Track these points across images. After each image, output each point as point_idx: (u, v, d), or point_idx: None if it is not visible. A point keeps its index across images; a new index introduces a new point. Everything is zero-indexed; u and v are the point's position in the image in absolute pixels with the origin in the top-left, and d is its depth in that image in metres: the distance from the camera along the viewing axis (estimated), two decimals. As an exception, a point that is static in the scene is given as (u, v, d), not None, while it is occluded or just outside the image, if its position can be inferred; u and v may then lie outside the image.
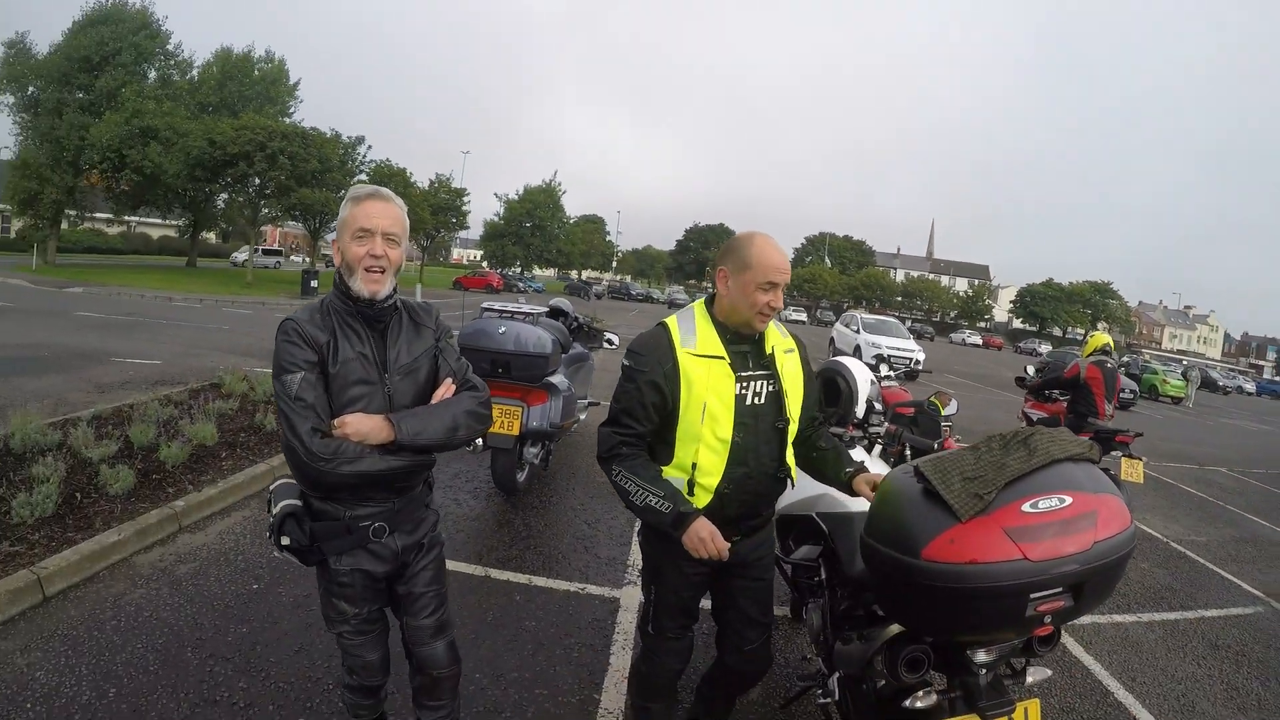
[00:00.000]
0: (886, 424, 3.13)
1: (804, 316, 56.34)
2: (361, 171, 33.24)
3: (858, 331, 18.77)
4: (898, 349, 16.72)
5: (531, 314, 5.00)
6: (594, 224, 72.16)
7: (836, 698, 2.21)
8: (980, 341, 58.94)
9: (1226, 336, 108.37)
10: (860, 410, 3.03)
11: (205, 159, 25.52)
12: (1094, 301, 69.06)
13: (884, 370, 6.12)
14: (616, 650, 3.11)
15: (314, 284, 25.34)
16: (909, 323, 49.33)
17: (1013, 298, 75.52)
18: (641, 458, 1.93)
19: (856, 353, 16.55)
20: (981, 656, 1.77)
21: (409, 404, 1.76)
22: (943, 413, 3.76)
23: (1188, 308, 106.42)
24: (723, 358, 1.90)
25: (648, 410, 1.89)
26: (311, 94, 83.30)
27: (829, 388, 3.11)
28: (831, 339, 21.09)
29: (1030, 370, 7.49)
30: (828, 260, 75.72)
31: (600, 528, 4.60)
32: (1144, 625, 4.68)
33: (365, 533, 1.75)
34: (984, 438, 1.83)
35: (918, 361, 16.56)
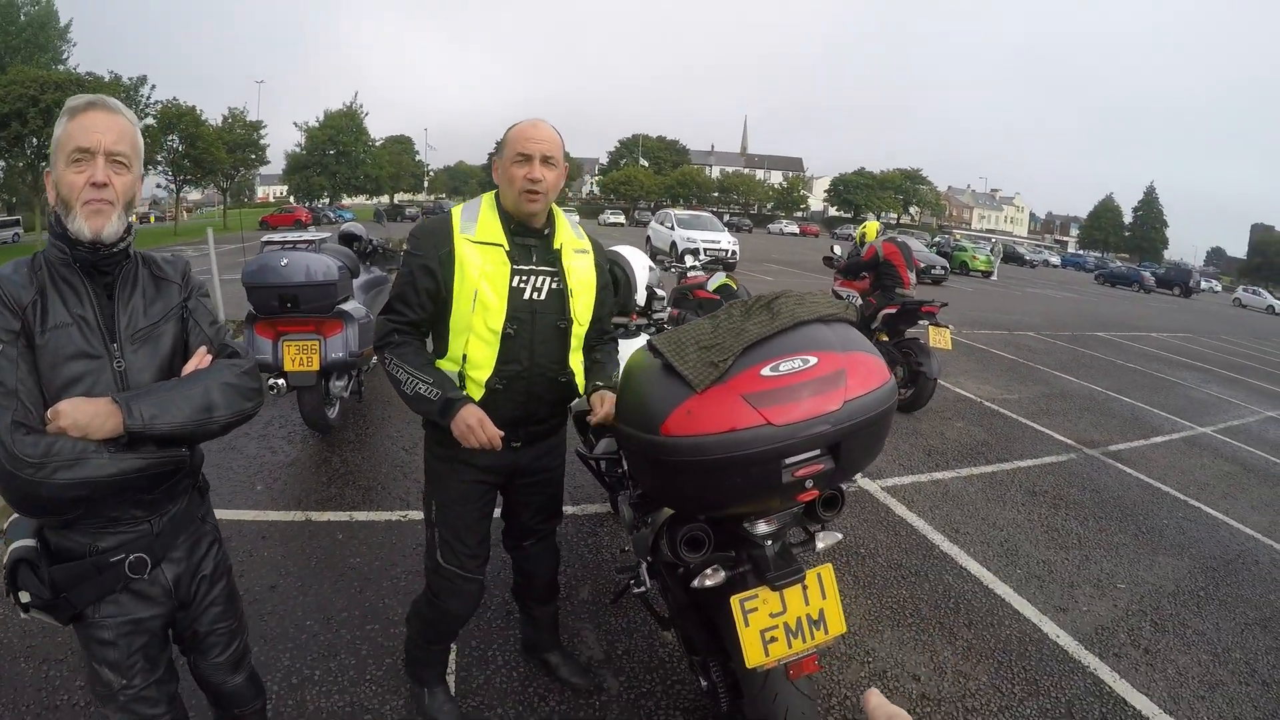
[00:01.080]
0: (670, 309, 3.65)
1: (622, 219, 67.71)
2: (147, 114, 38.62)
3: (671, 228, 23.54)
4: (711, 242, 21.50)
5: (313, 241, 5.69)
6: (402, 144, 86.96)
7: (648, 586, 2.65)
8: (798, 230, 74.46)
9: (1032, 216, 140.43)
10: (640, 297, 3.56)
11: (-29, 124, 28.37)
12: (905, 188, 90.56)
13: (689, 261, 7.54)
14: None
15: None
16: (726, 217, 61.97)
17: (827, 188, 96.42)
18: (414, 345, 2.30)
19: (672, 249, 21.25)
20: (762, 528, 2.15)
21: (149, 381, 1.71)
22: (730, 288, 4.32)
23: (994, 190, 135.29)
24: (500, 245, 2.25)
25: (420, 296, 2.25)
26: (85, 36, 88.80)
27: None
28: (648, 237, 25.65)
29: (837, 250, 8.86)
30: (643, 161, 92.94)
31: (418, 451, 5.02)
32: (963, 480, 5.64)
33: (120, 570, 1.71)
34: (726, 305, 2.18)
35: (732, 253, 21.31)
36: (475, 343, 2.25)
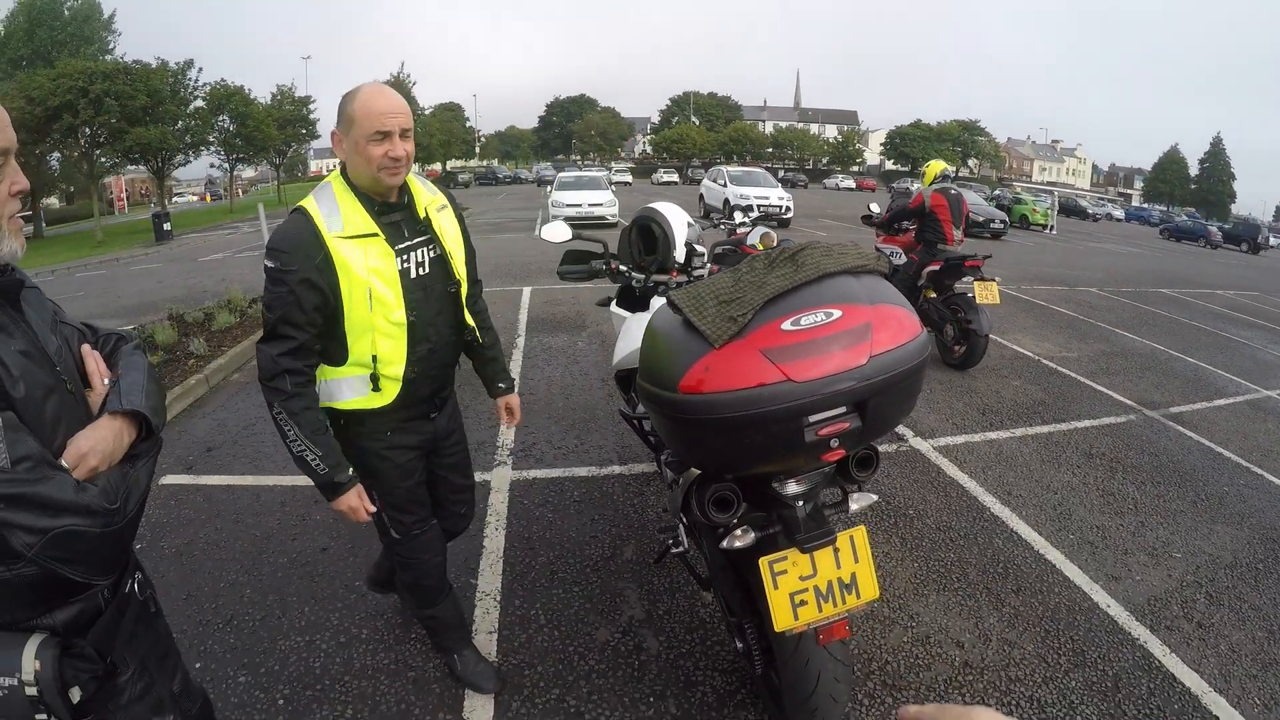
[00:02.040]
0: (710, 265, 3.54)
1: (675, 177, 68.91)
2: (196, 97, 39.79)
3: (724, 185, 23.05)
4: (765, 198, 21.07)
5: None
6: (451, 112, 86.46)
7: (685, 547, 2.65)
8: (854, 185, 72.90)
9: (1095, 168, 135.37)
10: (680, 254, 3.45)
11: (27, 119, 28.62)
12: (963, 139, 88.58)
13: (739, 218, 7.04)
14: (490, 532, 3.84)
15: (167, 226, 28.78)
16: (781, 173, 62.75)
17: (883, 141, 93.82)
18: (307, 398, 2.11)
19: (725, 206, 20.64)
20: (793, 488, 2.11)
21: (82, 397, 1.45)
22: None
23: (1055, 142, 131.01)
24: (376, 235, 2.12)
25: (309, 314, 2.04)
26: (130, 24, 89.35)
27: (645, 235, 3.50)
28: (701, 195, 25.20)
29: (875, 207, 8.53)
30: (694, 119, 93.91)
31: (469, 414, 5.14)
32: (1018, 440, 5.44)
33: (134, 597, 1.54)
34: (750, 258, 2.09)
35: (786, 209, 20.90)
36: (382, 340, 2.17)
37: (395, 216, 2.20)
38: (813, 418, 1.77)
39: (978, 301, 6.75)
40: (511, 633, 3.07)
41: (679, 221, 3.52)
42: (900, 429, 5.39)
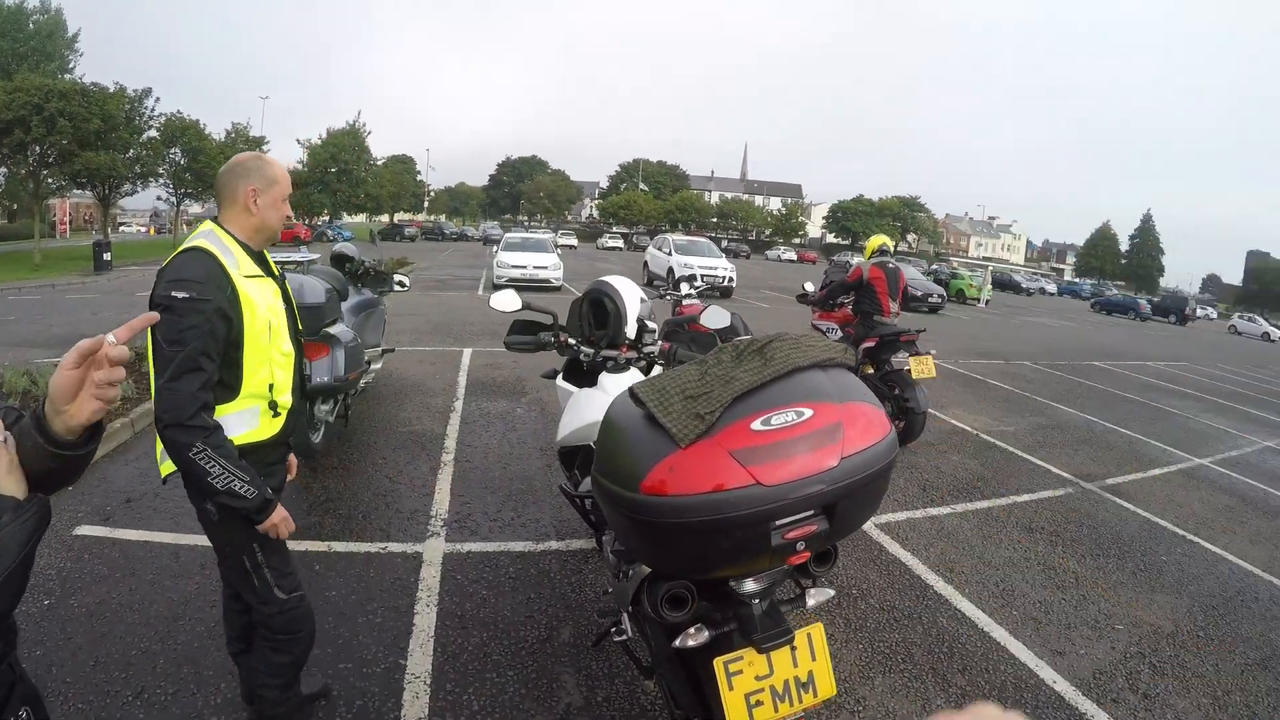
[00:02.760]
0: (660, 342, 3.55)
1: (620, 243, 69.99)
2: (150, 127, 38.87)
3: (669, 254, 23.68)
4: (709, 268, 21.88)
5: (301, 263, 6.18)
6: (403, 164, 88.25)
7: (629, 635, 2.60)
8: (795, 257, 76.12)
9: (1029, 243, 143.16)
10: (631, 330, 3.46)
11: (-23, 129, 27.84)
12: (903, 215, 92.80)
13: (684, 289, 7.47)
14: (421, 609, 3.70)
15: (107, 256, 27.99)
16: (725, 243, 65.65)
17: (825, 214, 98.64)
18: (222, 430, 2.17)
19: (669, 275, 20.68)
20: (749, 586, 2.05)
21: None
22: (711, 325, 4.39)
23: (992, 218, 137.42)
24: (263, 275, 2.38)
25: (219, 345, 2.16)
26: (93, 45, 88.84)
27: (597, 309, 3.55)
28: (645, 262, 25.74)
29: (809, 286, 8.80)
30: (642, 186, 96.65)
31: (402, 479, 5.38)
32: (958, 516, 5.56)
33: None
34: (717, 349, 2.08)
35: (729, 279, 21.62)
36: (276, 370, 2.38)
37: (263, 268, 2.43)
38: (780, 521, 1.75)
39: (913, 376, 6.93)
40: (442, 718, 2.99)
41: (632, 296, 3.55)
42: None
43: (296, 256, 5.81)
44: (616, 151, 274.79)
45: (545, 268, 20.32)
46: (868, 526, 5.16)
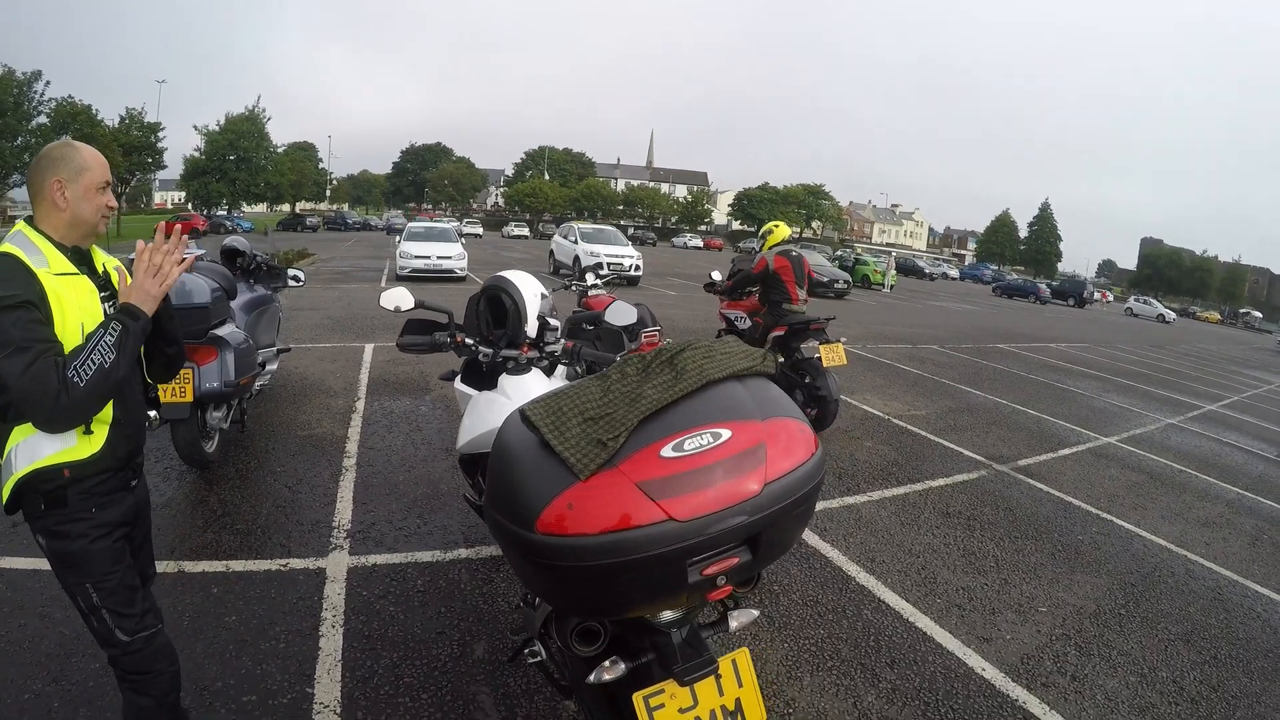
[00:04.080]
0: (564, 340, 3.47)
1: (526, 231, 71.31)
2: (40, 113, 38.93)
3: (575, 242, 23.91)
4: (615, 256, 22.04)
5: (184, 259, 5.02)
6: (305, 151, 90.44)
7: (544, 658, 2.49)
8: (701, 244, 78.40)
9: (931, 230, 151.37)
10: (532, 328, 3.39)
11: None
12: (808, 202, 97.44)
13: (590, 279, 7.41)
14: (326, 631, 3.55)
15: None
16: (631, 230, 67.90)
17: (731, 202, 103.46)
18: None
19: (575, 263, 21.36)
20: (667, 616, 1.95)
21: None
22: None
23: (895, 205, 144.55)
24: (78, 273, 2.21)
25: (49, 329, 2.03)
26: None
27: (495, 306, 3.47)
28: (551, 251, 25.92)
29: (716, 275, 8.89)
30: (546, 174, 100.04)
31: (302, 488, 5.24)
32: (875, 504, 5.62)
33: None
34: (621, 360, 1.98)
35: (637, 267, 21.84)
36: None
37: (84, 267, 2.26)
38: (696, 558, 1.64)
39: (824, 364, 7.02)
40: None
41: (531, 292, 3.46)
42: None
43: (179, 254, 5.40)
44: (522, 139, 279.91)
45: (449, 258, 20.27)
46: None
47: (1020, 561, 4.93)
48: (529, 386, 3.08)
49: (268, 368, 6.75)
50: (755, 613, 2.21)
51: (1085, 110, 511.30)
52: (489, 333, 3.43)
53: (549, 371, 3.42)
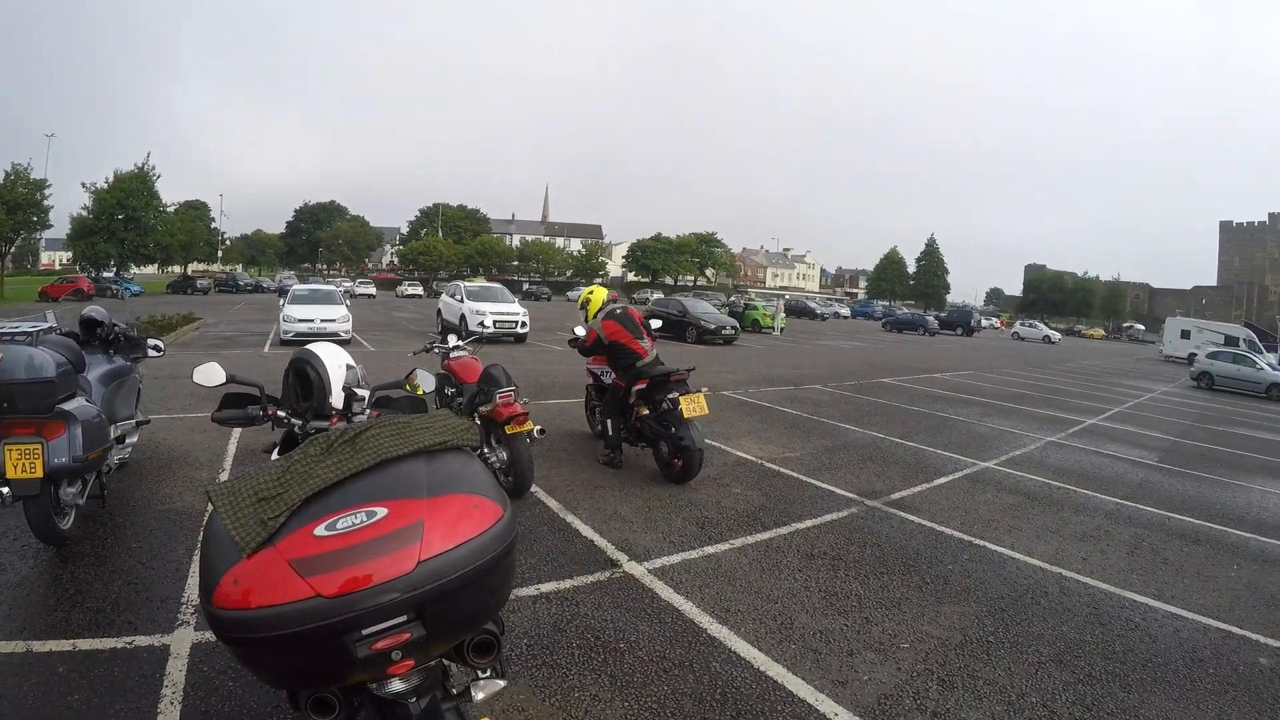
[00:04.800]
0: (369, 411, 3.52)
1: (420, 290, 73.45)
2: None
3: (461, 300, 24.18)
4: (501, 313, 22.40)
5: (31, 333, 5.76)
6: (196, 210, 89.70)
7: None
8: None
9: (823, 271, 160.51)
10: (337, 399, 3.43)
11: None
12: (700, 251, 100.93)
13: (452, 341, 7.51)
14: (165, 708, 3.50)
15: None
16: (526, 285, 72.24)
17: (625, 253, 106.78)
18: None
19: (462, 322, 21.31)
20: (397, 685, 1.95)
21: None
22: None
23: (786, 249, 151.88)
24: None
25: None
26: None
27: (301, 379, 3.47)
28: (439, 310, 26.01)
29: (580, 331, 8.82)
30: (440, 232, 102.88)
31: (156, 564, 5.16)
32: (737, 551, 5.50)
33: None
34: (307, 440, 2.09)
35: (523, 324, 22.08)
36: None
37: None
38: (365, 631, 1.69)
39: (685, 416, 7.02)
40: None
41: (335, 363, 3.46)
42: (613, 554, 5.29)
43: (26, 326, 5.97)
44: (418, 196, 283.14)
45: (333, 320, 20.21)
46: (639, 572, 5.02)
47: (884, 598, 4.87)
48: None
49: (127, 440, 6.74)
50: (501, 683, 2.24)
51: (966, 146, 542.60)
52: (297, 404, 3.41)
53: None
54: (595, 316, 8.01)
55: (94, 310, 6.83)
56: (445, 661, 2.10)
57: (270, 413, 3.42)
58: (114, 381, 6.37)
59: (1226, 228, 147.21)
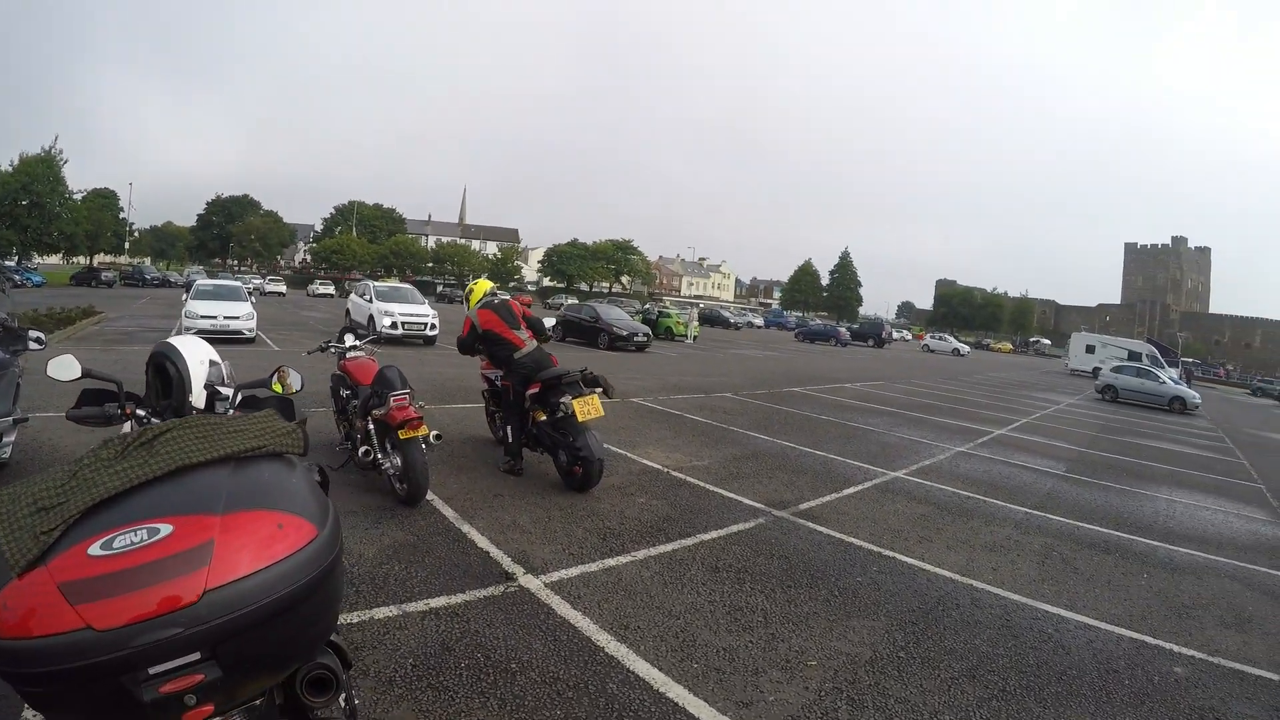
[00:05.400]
0: (231, 410, 3.34)
1: (332, 289, 71.97)
2: None
3: (370, 301, 23.86)
4: (410, 315, 22.22)
5: None
6: (104, 199, 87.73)
7: None
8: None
9: (738, 281, 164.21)
10: (198, 398, 3.25)
11: None
12: (616, 258, 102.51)
13: (349, 341, 7.29)
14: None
15: None
16: (440, 287, 72.22)
17: (540, 258, 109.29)
18: None
19: (370, 323, 20.87)
20: None
21: None
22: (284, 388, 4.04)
23: (702, 259, 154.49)
24: None
25: None
26: None
27: (161, 375, 3.31)
28: (348, 309, 25.80)
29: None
30: (355, 230, 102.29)
31: None
32: (639, 564, 5.29)
33: None
34: (103, 441, 1.87)
35: (432, 326, 21.86)
36: None
37: None
38: (152, 670, 1.47)
39: (579, 419, 6.78)
40: None
41: (195, 359, 3.29)
42: (508, 566, 5.02)
43: None
44: (334, 194, 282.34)
45: (237, 318, 19.66)
46: (535, 586, 4.77)
47: (792, 613, 4.72)
48: None
49: (4, 439, 6.38)
50: None
51: (881, 162, 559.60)
52: (158, 403, 3.22)
53: None
54: (475, 305, 7.75)
55: None
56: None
57: (128, 411, 3.16)
58: None
59: (1131, 249, 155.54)
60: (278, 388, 4.05)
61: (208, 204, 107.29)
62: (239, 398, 3.50)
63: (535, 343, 7.51)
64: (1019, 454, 11.78)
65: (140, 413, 3.15)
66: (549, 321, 8.25)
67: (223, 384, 3.34)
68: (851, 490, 8.00)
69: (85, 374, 3.32)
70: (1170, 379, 29.26)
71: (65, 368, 3.35)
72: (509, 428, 7.38)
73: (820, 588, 5.16)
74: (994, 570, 5.89)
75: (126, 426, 3.16)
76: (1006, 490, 8.84)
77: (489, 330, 7.48)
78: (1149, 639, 4.94)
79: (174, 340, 3.37)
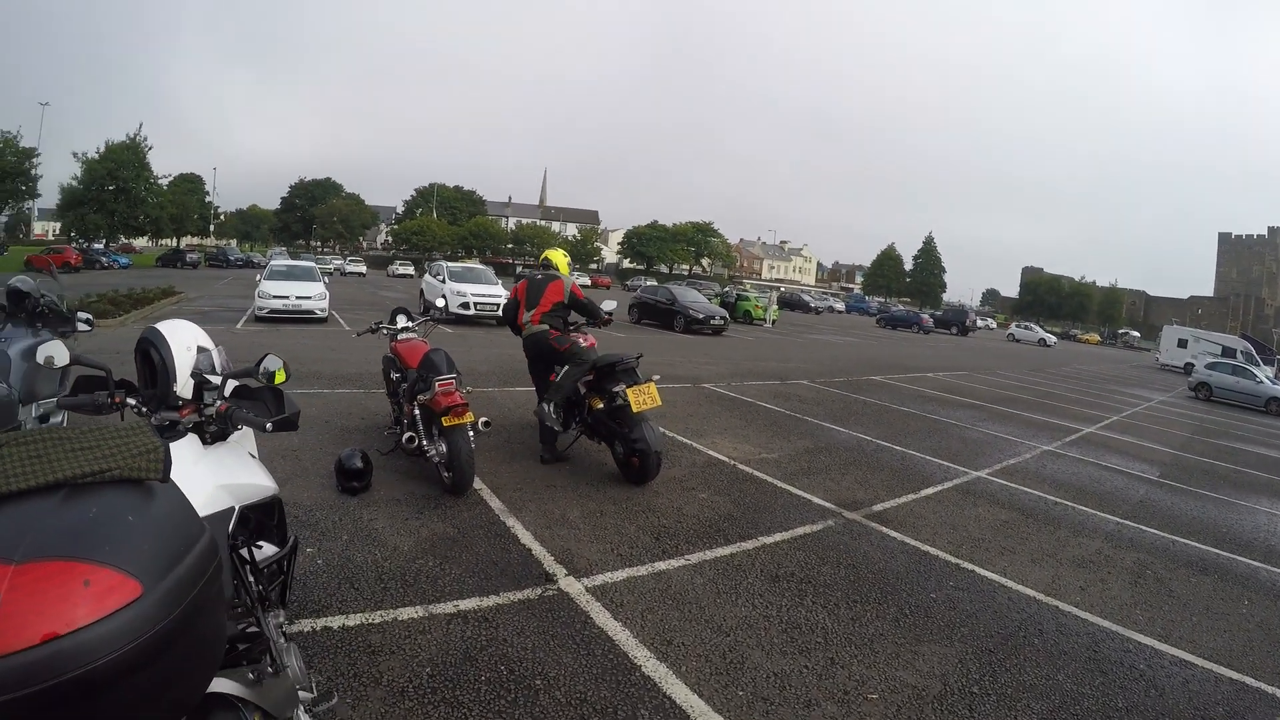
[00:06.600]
0: (219, 402, 3.11)
1: (411, 270, 72.40)
2: None
3: (443, 281, 24.09)
4: (483, 295, 22.37)
5: None
6: (191, 183, 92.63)
7: None
8: (589, 282, 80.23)
9: (820, 265, 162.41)
10: (184, 388, 3.09)
11: None
12: (696, 240, 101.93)
13: (402, 322, 7.11)
14: None
15: None
16: (519, 268, 71.09)
17: (620, 240, 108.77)
18: None
19: (444, 302, 20.67)
20: None
21: None
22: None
23: (784, 242, 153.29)
24: None
25: None
26: None
27: (147, 363, 3.19)
28: (421, 290, 25.90)
29: None
30: (435, 212, 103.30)
31: None
32: (692, 569, 4.84)
33: None
34: None
35: (501, 307, 20.05)
36: None
37: None
38: None
39: (634, 410, 6.41)
40: None
41: (181, 346, 3.12)
42: (549, 567, 4.64)
43: None
44: (414, 175, 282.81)
45: (309, 298, 19.74)
46: (576, 590, 4.37)
47: (855, 633, 4.21)
48: (181, 455, 2.60)
49: (51, 421, 6.16)
50: None
51: (967, 147, 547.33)
52: (145, 392, 3.05)
53: (219, 436, 3.08)
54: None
55: (20, 281, 6.42)
56: None
57: (118, 400, 2.94)
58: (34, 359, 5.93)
59: (1225, 239, 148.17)
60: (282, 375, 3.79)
61: (291, 187, 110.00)
62: (229, 387, 3.22)
63: (541, 326, 7.19)
64: (1109, 455, 10.98)
65: (131, 401, 2.96)
66: (608, 305, 7.86)
67: (212, 372, 3.15)
68: (930, 491, 7.42)
69: (74, 361, 3.13)
70: (1268, 378, 27.48)
71: (56, 354, 3.16)
72: (542, 408, 7.05)
73: (889, 604, 4.64)
74: (1082, 590, 5.29)
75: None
76: (1096, 496, 8.14)
77: (515, 297, 7.49)
78: (1249, 680, 4.30)
79: (161, 326, 3.18)
